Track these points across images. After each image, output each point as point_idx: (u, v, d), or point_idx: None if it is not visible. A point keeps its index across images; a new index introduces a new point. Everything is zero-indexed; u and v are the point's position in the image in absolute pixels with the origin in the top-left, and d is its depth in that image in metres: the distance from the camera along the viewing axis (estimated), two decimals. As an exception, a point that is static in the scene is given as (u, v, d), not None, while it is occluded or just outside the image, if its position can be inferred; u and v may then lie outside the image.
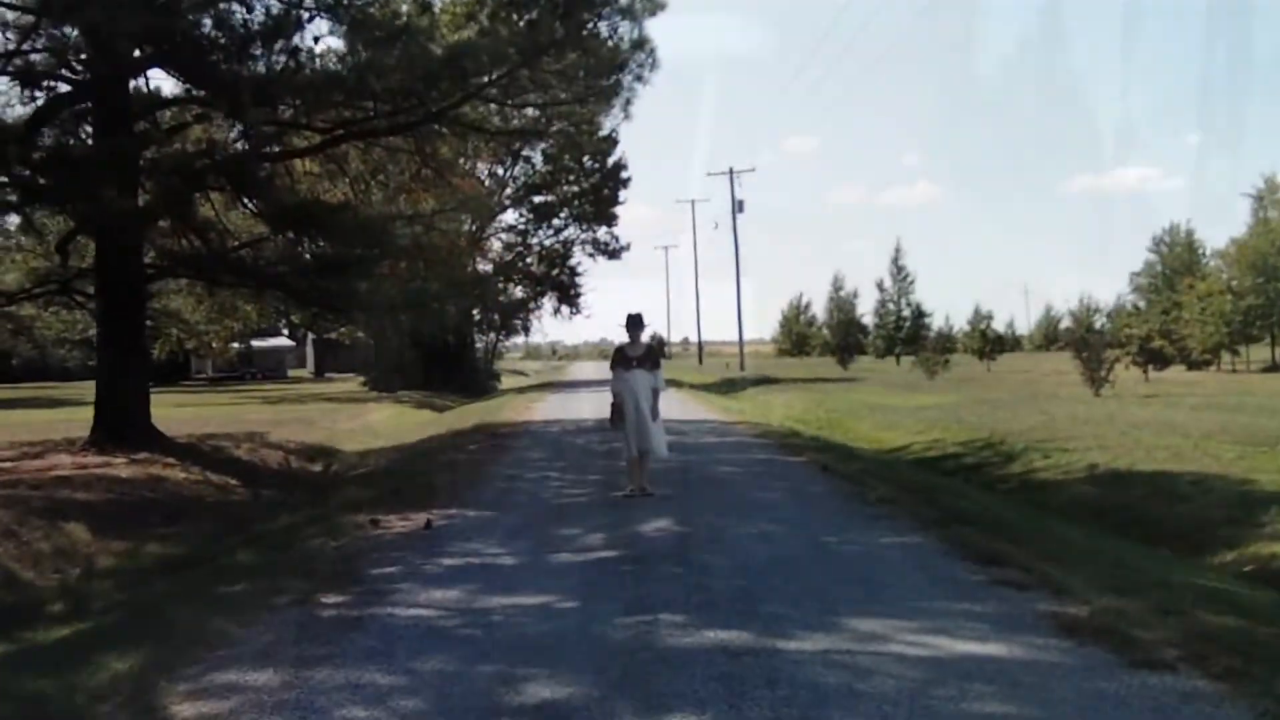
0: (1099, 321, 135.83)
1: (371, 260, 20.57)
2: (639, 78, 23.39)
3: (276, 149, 23.60)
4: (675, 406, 27.79)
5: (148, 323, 33.23)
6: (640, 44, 22.93)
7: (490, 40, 21.69)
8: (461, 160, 42.70)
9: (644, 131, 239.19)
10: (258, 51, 21.60)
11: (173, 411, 40.03)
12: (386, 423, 35.95)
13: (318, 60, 22.00)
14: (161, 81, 37.71)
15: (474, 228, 63.40)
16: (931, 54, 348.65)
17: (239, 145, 23.47)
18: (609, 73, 23.16)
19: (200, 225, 22.96)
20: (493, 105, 24.13)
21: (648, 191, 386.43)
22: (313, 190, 25.48)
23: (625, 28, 22.62)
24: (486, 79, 22.15)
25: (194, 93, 23.17)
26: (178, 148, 22.71)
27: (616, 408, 13.66)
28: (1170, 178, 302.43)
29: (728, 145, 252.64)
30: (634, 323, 13.66)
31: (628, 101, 24.76)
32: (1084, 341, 37.44)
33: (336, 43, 23.02)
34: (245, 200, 21.85)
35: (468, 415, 35.58)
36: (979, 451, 21.16)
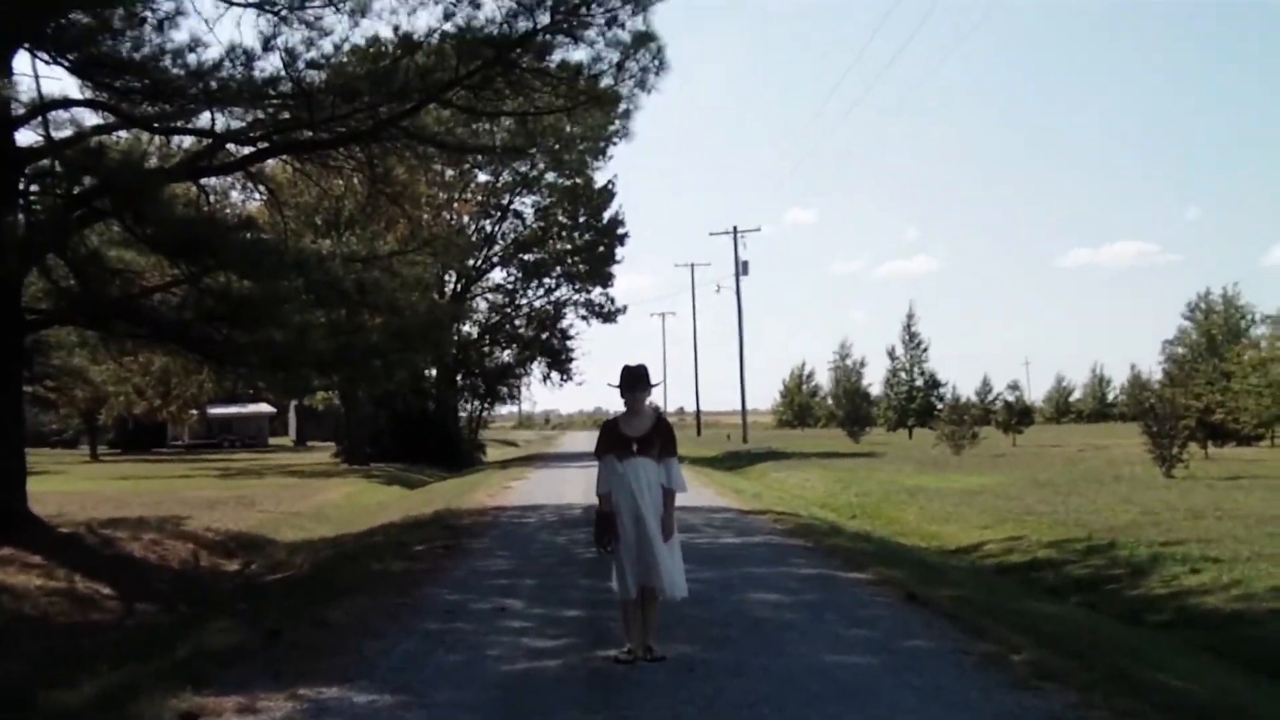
0: (1111, 394, 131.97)
1: (282, 301, 15.55)
2: (641, 83, 18.37)
3: (202, 165, 18.78)
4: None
5: (48, 383, 28.46)
6: (644, 39, 17.92)
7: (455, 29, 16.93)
8: (433, 194, 38.24)
9: (641, 197, 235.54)
10: (157, 39, 16.80)
11: (103, 485, 35.27)
12: (341, 504, 31.00)
13: (238, 51, 17.13)
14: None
15: (458, 285, 59.02)
16: (928, 128, 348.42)
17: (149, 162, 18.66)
18: (605, 73, 18.27)
19: (82, 260, 18.00)
20: (460, 114, 19.18)
21: (645, 261, 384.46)
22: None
23: (625, 14, 17.70)
24: (452, 75, 17.32)
25: (93, 95, 18.50)
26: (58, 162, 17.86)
27: (605, 519, 8.53)
28: (1168, 253, 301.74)
29: (727, 215, 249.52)
30: (633, 380, 8.59)
31: (627, 113, 19.83)
32: (1153, 413, 32.26)
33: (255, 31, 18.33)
34: (134, 228, 16.85)
35: (436, 496, 30.70)
36: (1085, 558, 16.09)
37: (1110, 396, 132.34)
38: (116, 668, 9.25)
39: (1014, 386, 73.77)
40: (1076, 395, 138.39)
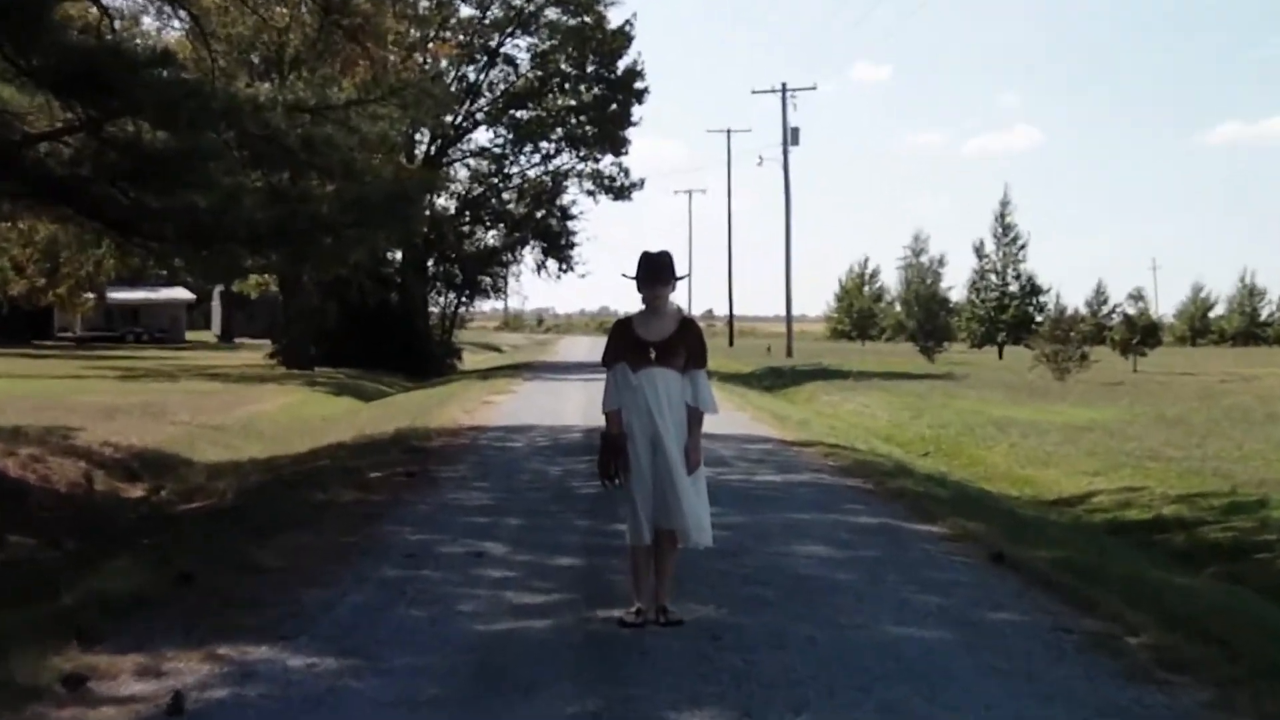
0: (1266, 310, 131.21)
1: (207, 157, 15.48)
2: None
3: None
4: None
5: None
6: None
7: None
8: (402, 30, 37.86)
9: (667, 44, 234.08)
10: None
11: (-34, 385, 35.40)
12: (279, 416, 31.32)
13: None
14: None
15: (432, 147, 58.78)
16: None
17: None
18: None
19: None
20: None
21: (669, 125, 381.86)
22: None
23: None
24: None
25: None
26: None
27: (614, 443, 8.52)
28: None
29: (775, 70, 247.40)
30: (654, 270, 8.54)
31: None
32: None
33: None
34: (14, 57, 16.67)
35: (397, 410, 30.94)
36: (1226, 518, 16.17)
37: (1265, 313, 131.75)
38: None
39: (1137, 296, 73.18)
40: (1219, 310, 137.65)
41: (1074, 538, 14.50)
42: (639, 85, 62.25)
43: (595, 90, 62.02)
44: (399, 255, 58.72)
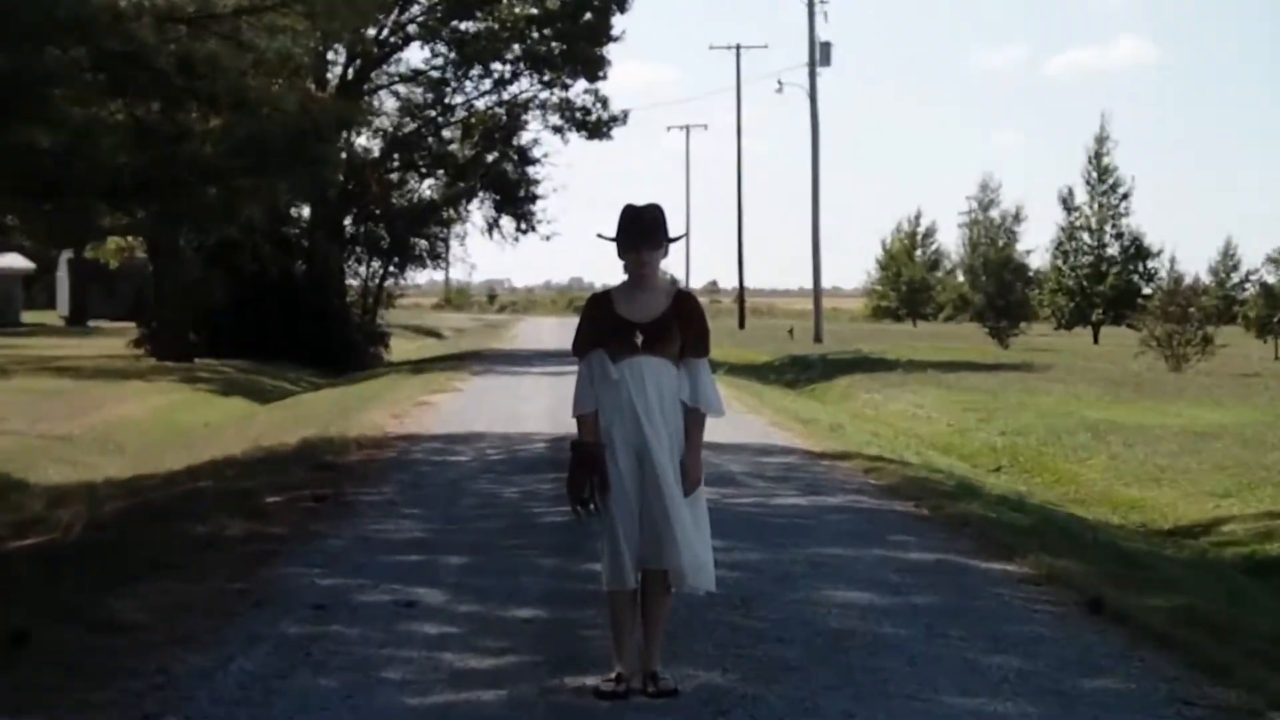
0: None
1: (51, 82, 15.49)
2: None
3: None
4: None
5: None
6: None
7: None
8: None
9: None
10: None
11: None
12: (147, 423, 31.54)
13: None
14: None
15: (350, 69, 58.75)
16: None
17: None
18: None
19: None
20: None
21: (660, 42, 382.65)
22: None
23: None
24: None
25: None
26: None
27: (588, 455, 8.48)
28: None
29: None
30: (641, 228, 8.50)
31: None
32: None
33: None
34: None
35: (304, 414, 31.05)
36: None
37: None
38: None
39: (1278, 260, 73.33)
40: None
41: (1198, 579, 14.56)
42: (621, -11, 62.35)
43: (563, -5, 62.00)
44: (306, 212, 58.71)
